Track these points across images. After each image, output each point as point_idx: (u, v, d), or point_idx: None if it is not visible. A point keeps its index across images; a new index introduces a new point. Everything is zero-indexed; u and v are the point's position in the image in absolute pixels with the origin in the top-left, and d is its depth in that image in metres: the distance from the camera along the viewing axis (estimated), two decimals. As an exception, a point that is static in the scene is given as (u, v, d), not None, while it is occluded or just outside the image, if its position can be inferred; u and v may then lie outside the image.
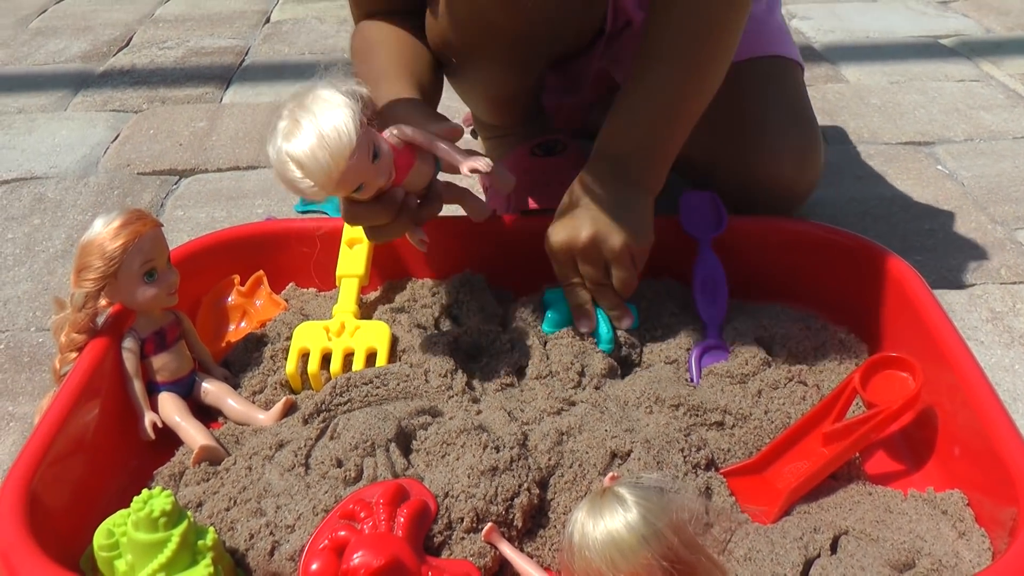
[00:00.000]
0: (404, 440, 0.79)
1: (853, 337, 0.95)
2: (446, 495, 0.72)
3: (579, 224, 0.91)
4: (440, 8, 1.02)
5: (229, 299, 1.04)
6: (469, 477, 0.73)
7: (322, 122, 0.74)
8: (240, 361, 0.95)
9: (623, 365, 0.92)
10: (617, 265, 0.91)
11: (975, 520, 0.72)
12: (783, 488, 0.77)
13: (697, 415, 0.83)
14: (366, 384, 0.86)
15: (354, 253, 1.01)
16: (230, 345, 0.99)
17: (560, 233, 0.92)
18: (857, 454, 0.80)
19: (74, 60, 2.03)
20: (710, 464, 0.78)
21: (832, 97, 1.71)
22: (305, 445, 0.80)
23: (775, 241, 1.02)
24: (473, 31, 1.02)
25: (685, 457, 0.77)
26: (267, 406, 0.90)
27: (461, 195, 0.92)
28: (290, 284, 1.07)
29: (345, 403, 0.85)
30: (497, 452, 0.75)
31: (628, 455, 0.77)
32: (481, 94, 1.20)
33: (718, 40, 0.94)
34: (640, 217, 0.93)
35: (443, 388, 0.86)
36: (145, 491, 0.67)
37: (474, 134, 1.48)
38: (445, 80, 1.12)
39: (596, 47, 1.18)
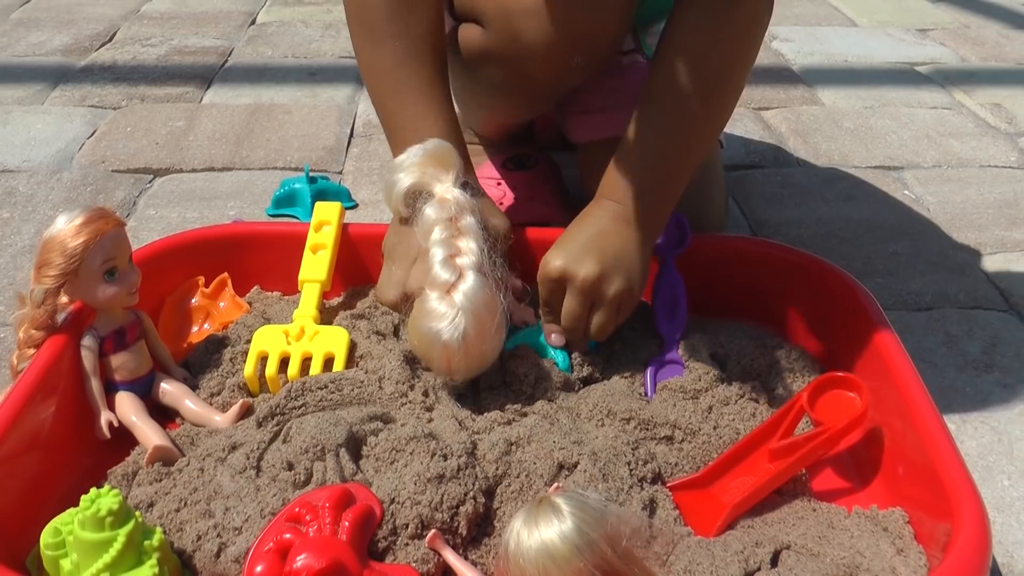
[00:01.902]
0: (355, 445, 0.80)
1: (807, 355, 0.96)
2: (392, 501, 0.73)
3: (584, 259, 0.89)
4: (488, 34, 1.00)
5: (193, 300, 1.05)
6: (416, 484, 0.73)
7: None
8: (200, 362, 0.96)
9: (580, 379, 0.93)
10: (605, 310, 0.90)
11: (914, 537, 0.73)
12: (728, 502, 0.78)
13: (647, 429, 0.84)
14: (321, 389, 0.87)
15: (317, 259, 1.01)
16: (192, 346, 0.99)
17: (560, 260, 0.90)
18: (803, 471, 0.81)
19: (55, 53, 2.02)
20: (656, 477, 0.79)
21: (807, 119, 1.73)
22: (258, 448, 0.80)
23: (736, 260, 1.04)
24: (512, 73, 1.01)
25: (631, 470, 0.78)
26: (224, 408, 0.90)
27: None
28: (255, 287, 1.08)
29: (299, 407, 0.85)
30: (445, 460, 0.76)
31: (575, 467, 0.78)
32: (488, 115, 1.21)
33: (722, 91, 0.95)
34: (642, 267, 0.92)
35: (396, 395, 0.86)
36: (93, 490, 0.67)
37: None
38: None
39: None
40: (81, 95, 1.79)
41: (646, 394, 0.91)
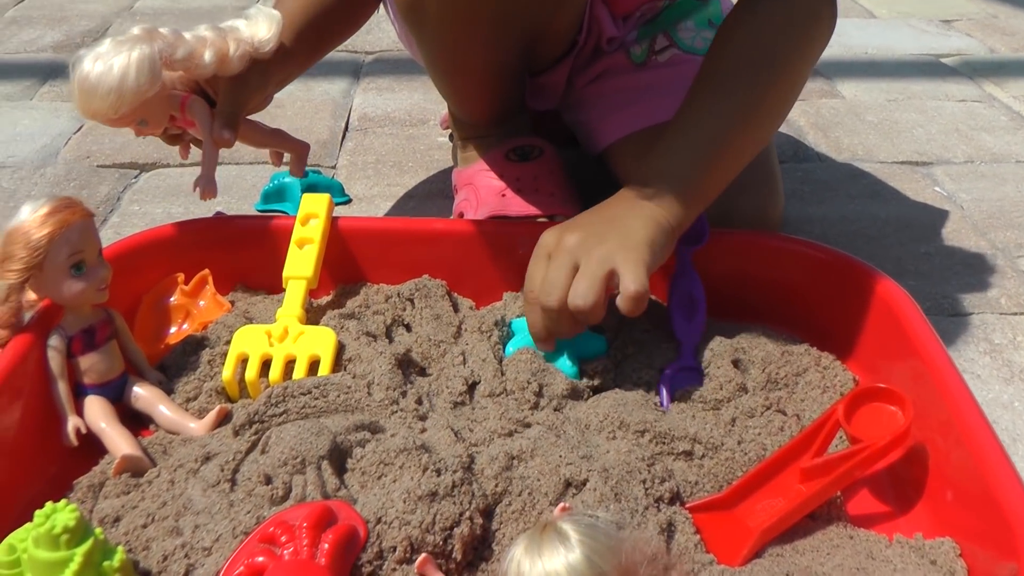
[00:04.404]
0: (339, 457, 0.72)
1: (839, 364, 0.88)
2: (378, 520, 0.65)
3: (573, 228, 0.82)
4: None
5: (171, 299, 0.97)
6: (405, 502, 0.65)
7: (119, 58, 0.84)
8: (177, 365, 0.88)
9: (589, 387, 0.85)
10: (584, 269, 0.78)
11: (968, 574, 0.65)
12: (755, 527, 0.69)
13: (664, 443, 0.76)
14: (304, 395, 0.79)
15: (303, 254, 0.93)
16: (169, 348, 0.91)
17: (550, 234, 0.83)
18: (839, 493, 0.72)
19: (46, 50, 1.96)
20: (675, 498, 0.71)
21: (827, 113, 1.65)
22: (234, 459, 0.73)
23: (759, 257, 0.96)
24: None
25: (647, 489, 0.69)
26: (201, 414, 0.83)
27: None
28: (238, 285, 1.00)
29: (280, 414, 0.78)
30: (438, 475, 0.68)
31: (584, 484, 0.70)
32: (460, 84, 1.13)
33: (781, 73, 0.87)
34: (645, 241, 0.80)
35: (386, 402, 0.78)
36: (49, 504, 0.60)
37: (451, 138, 1.41)
38: (429, 79, 1.09)
39: (565, 62, 1.15)
40: (70, 91, 1.72)
41: (661, 404, 0.83)
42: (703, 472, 0.74)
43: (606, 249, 0.79)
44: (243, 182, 1.35)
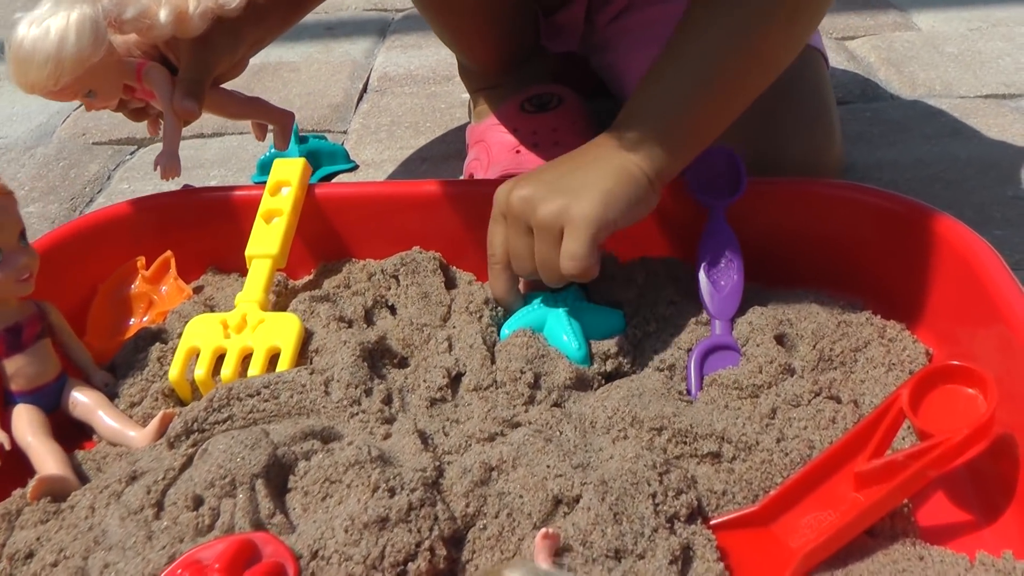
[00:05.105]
0: (280, 474, 0.59)
1: (908, 335, 0.72)
2: (314, 555, 0.52)
3: (523, 183, 0.70)
4: None
5: (132, 287, 0.85)
6: (347, 531, 0.52)
7: (56, 20, 0.72)
8: (126, 363, 0.76)
9: (601, 374, 0.71)
10: (537, 236, 0.68)
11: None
12: (797, 548, 0.55)
13: (685, 442, 0.62)
14: (251, 396, 0.66)
15: (270, 229, 0.81)
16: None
17: (501, 190, 0.71)
18: (906, 502, 0.57)
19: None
20: (694, 514, 0.56)
21: (900, 47, 1.46)
22: (164, 477, 0.60)
23: (810, 209, 0.80)
24: None
25: (657, 506, 0.55)
26: (147, 421, 0.71)
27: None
28: (209, 268, 0.88)
29: (224, 421, 0.65)
30: (391, 496, 0.54)
31: (576, 501, 0.55)
32: (451, 17, 0.99)
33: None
34: (599, 191, 0.67)
35: (346, 403, 0.65)
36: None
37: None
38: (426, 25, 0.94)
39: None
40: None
41: (689, 391, 0.69)
42: (733, 479, 0.59)
43: (555, 206, 0.66)
44: (244, 153, 1.24)
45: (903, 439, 0.62)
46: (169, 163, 0.82)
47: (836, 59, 1.43)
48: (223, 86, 0.88)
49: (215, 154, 1.24)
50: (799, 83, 0.90)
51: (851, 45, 1.50)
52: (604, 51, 1.05)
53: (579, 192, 0.66)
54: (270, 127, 0.93)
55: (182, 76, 0.81)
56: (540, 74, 1.06)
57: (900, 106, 1.26)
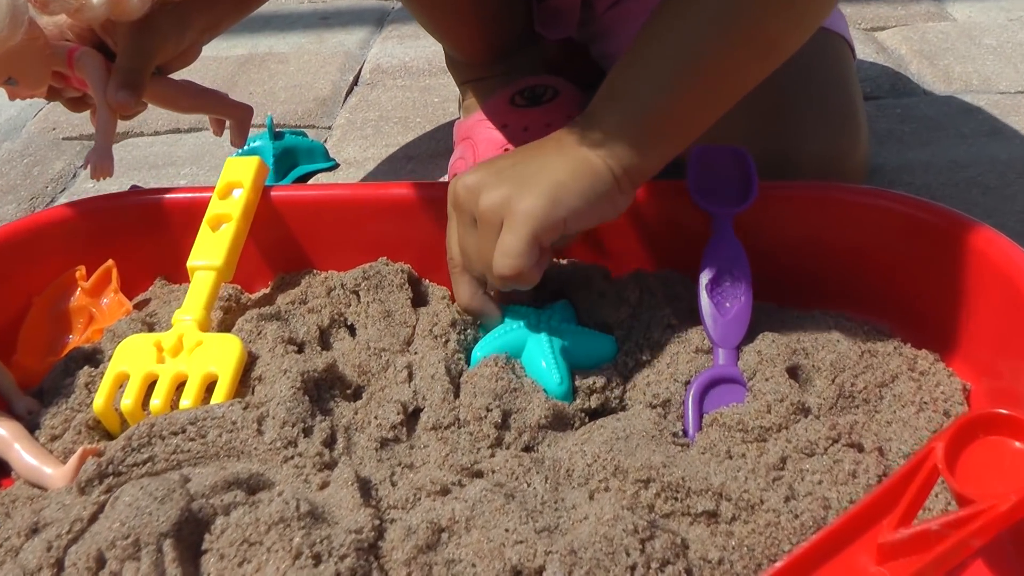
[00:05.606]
0: (197, 531, 0.50)
1: (942, 367, 0.62)
2: (220, 641, 0.43)
3: (472, 173, 0.62)
4: None
5: (72, 299, 0.77)
6: (260, 612, 0.43)
7: None
8: (54, 389, 0.68)
9: (583, 410, 0.61)
10: (479, 227, 0.60)
11: None
12: (808, 636, 0.45)
13: (676, 498, 0.52)
14: (176, 435, 0.57)
15: (217, 237, 0.71)
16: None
17: (461, 174, 0.63)
18: (940, 578, 0.47)
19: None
20: (683, 590, 0.46)
21: (934, 38, 1.36)
22: (69, 531, 0.51)
23: (828, 218, 0.70)
24: None
25: (636, 582, 0.45)
26: (68, 457, 0.62)
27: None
28: (157, 279, 0.79)
29: (144, 462, 0.56)
30: (316, 565, 0.45)
31: (540, 573, 0.46)
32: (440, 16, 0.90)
33: None
34: (550, 185, 0.59)
35: (280, 445, 0.55)
36: None
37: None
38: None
39: None
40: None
41: (685, 432, 0.59)
42: (732, 544, 0.50)
43: (498, 195, 0.59)
44: (219, 151, 1.16)
45: (935, 495, 0.53)
46: (101, 161, 0.73)
47: (864, 51, 1.33)
48: (172, 76, 0.79)
49: (189, 151, 1.16)
50: (821, 74, 0.81)
51: (880, 36, 1.41)
52: (604, 39, 0.96)
53: (527, 182, 0.58)
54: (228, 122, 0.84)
55: (119, 64, 0.72)
56: (533, 64, 0.97)
57: (934, 102, 1.17)
